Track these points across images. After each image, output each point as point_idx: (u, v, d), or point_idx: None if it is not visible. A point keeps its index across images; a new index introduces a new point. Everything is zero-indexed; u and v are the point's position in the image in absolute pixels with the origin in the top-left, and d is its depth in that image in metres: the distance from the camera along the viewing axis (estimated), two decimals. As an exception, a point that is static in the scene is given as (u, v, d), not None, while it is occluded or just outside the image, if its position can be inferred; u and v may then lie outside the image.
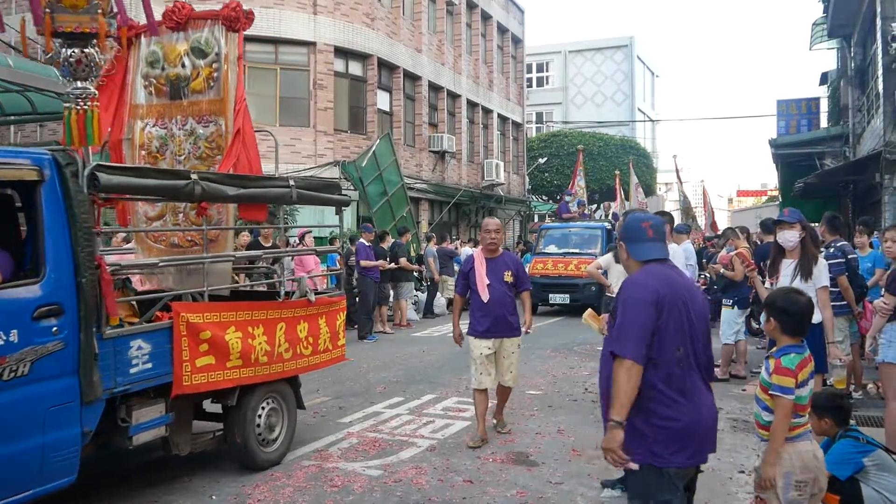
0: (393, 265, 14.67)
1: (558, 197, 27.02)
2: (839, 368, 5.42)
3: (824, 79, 25.65)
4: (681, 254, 7.54)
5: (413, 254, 17.45)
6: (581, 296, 16.24)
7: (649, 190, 37.65)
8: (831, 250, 7.77)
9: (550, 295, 17.11)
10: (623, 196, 25.82)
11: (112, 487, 5.51)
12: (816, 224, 8.69)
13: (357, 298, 14.27)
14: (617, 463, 3.23)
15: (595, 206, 28.45)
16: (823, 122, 23.60)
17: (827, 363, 5.54)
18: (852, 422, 4.55)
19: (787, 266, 5.83)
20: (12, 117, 10.83)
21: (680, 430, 3.22)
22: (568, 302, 16.80)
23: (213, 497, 5.33)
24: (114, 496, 5.34)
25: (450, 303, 18.65)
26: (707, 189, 28.56)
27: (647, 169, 37.30)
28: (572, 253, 17.57)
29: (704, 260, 14.05)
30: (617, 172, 27.34)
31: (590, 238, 18.08)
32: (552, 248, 18.23)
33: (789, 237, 5.82)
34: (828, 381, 8.41)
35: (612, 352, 3.28)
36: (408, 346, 12.80)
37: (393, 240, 15.17)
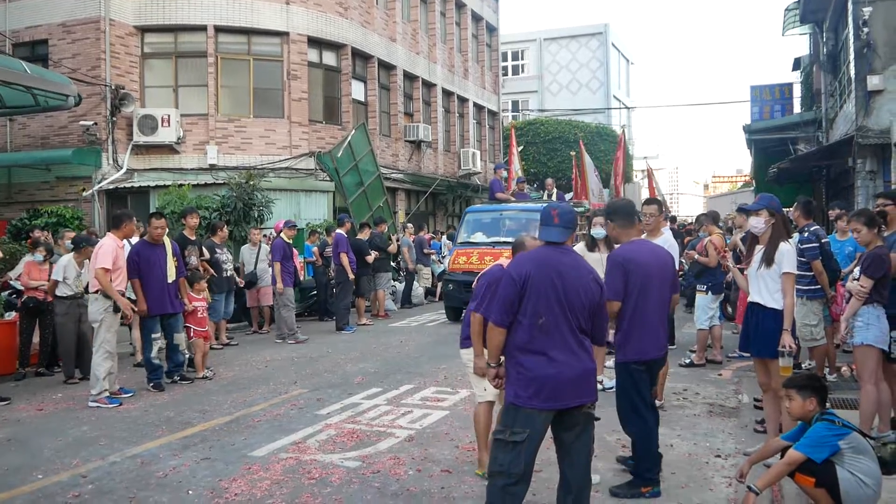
0: (375, 255, 14.62)
1: (495, 169, 22.81)
2: (787, 357, 5.44)
3: (797, 64, 25.79)
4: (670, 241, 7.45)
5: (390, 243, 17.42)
6: None
7: (626, 177, 37.70)
8: (805, 234, 7.82)
9: None
10: (581, 180, 22.10)
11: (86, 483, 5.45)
12: (790, 209, 8.72)
13: (335, 290, 14.22)
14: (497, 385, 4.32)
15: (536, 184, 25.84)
16: (797, 108, 23.73)
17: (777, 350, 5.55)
18: (827, 405, 4.59)
19: (759, 252, 5.87)
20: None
21: (534, 378, 3.93)
22: None
23: (190, 492, 5.27)
24: (88, 491, 5.28)
25: (427, 292, 18.66)
26: (651, 168, 26.99)
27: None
28: (505, 242, 13.01)
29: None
30: (573, 154, 24.04)
31: (527, 223, 14.01)
32: (479, 237, 15.02)
33: (754, 224, 5.88)
34: (803, 366, 8.52)
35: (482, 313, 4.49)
36: (385, 336, 12.77)
37: (371, 231, 15.11)
